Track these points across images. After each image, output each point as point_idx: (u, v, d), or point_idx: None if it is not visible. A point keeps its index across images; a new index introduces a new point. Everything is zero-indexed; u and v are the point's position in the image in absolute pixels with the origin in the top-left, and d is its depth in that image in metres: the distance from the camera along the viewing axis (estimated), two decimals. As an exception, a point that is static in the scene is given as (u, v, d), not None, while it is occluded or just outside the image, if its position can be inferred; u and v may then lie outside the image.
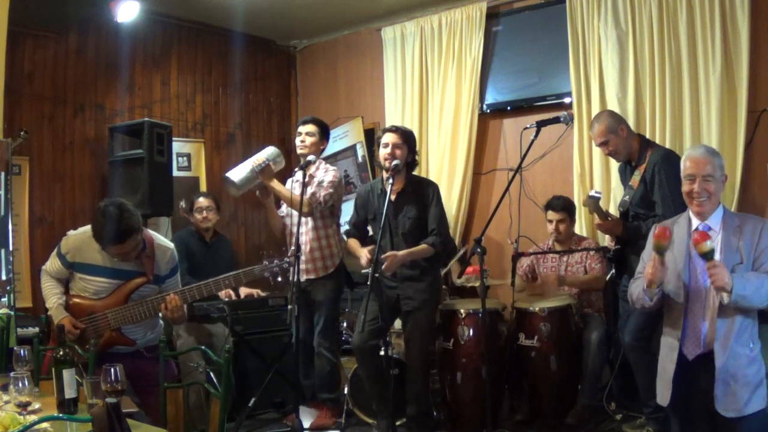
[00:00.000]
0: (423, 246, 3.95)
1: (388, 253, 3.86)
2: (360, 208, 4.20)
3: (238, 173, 4.30)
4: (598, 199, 3.80)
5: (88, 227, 3.14)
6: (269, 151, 4.41)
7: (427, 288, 4.03)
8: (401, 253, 3.90)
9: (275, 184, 4.34)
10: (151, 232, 3.32)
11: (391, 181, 3.79)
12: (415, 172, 4.79)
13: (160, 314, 3.25)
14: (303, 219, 4.18)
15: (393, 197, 3.96)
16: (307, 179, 4.31)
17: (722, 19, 4.37)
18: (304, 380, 4.48)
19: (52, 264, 3.26)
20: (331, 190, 4.31)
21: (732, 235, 2.71)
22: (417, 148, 4.16)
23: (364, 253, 3.93)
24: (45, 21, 4.94)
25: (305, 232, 4.36)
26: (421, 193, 4.05)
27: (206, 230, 4.88)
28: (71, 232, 3.26)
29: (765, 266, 2.65)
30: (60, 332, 2.55)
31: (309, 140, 4.45)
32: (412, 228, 4.00)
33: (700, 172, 2.72)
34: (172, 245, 3.36)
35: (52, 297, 3.21)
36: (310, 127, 4.46)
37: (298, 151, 4.49)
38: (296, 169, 4.38)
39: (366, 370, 4.08)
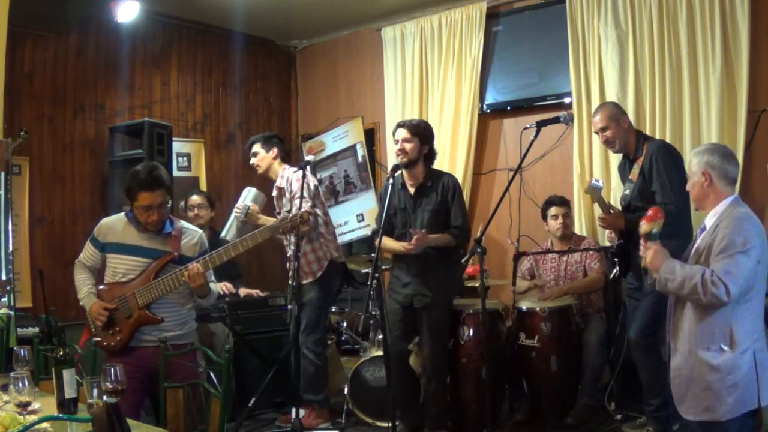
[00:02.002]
0: (447, 235, 3.95)
1: (419, 234, 3.83)
2: (381, 201, 4.11)
3: (229, 231, 4.37)
4: (600, 188, 3.79)
5: (121, 214, 3.36)
6: (247, 194, 4.45)
7: (439, 286, 3.98)
8: (432, 236, 3.89)
9: (263, 220, 4.34)
10: (180, 220, 3.45)
11: (391, 181, 3.79)
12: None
13: (192, 306, 3.36)
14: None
15: (412, 191, 3.99)
16: (276, 192, 4.43)
17: (722, 19, 4.37)
18: (293, 380, 4.46)
19: (85, 252, 3.38)
20: (309, 208, 4.25)
21: (706, 237, 2.65)
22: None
23: (402, 245, 3.90)
24: (45, 21, 4.94)
25: (294, 242, 4.31)
26: (440, 187, 4.02)
27: (201, 228, 4.87)
28: (104, 219, 3.41)
29: (712, 266, 2.53)
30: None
31: (255, 160, 4.50)
32: (430, 221, 3.96)
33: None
34: (200, 231, 3.46)
35: (84, 288, 3.33)
36: (254, 148, 4.53)
37: (259, 173, 4.53)
38: (296, 169, 4.38)
39: (397, 374, 3.96)
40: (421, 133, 3.99)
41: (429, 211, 3.97)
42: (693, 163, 2.74)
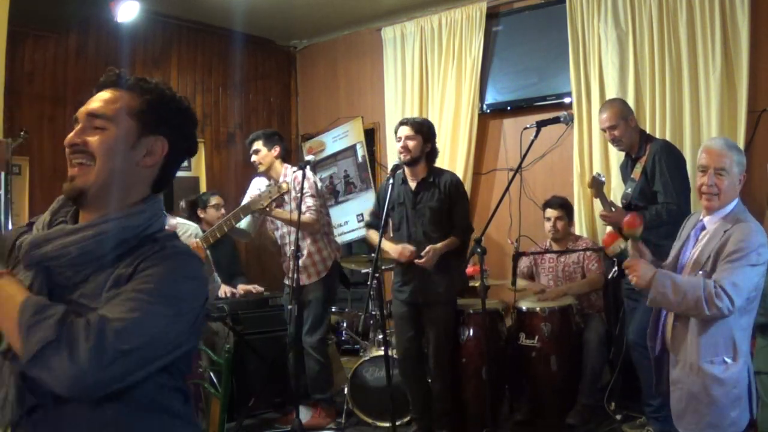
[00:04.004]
0: (453, 238, 3.92)
1: (428, 248, 3.83)
2: (381, 199, 4.10)
3: (243, 220, 4.27)
4: (603, 183, 3.78)
5: None
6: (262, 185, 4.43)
7: (444, 283, 3.94)
8: (439, 245, 3.86)
9: (276, 212, 4.34)
10: (175, 219, 3.43)
11: (391, 181, 3.80)
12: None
13: None
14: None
15: (413, 186, 3.97)
16: (278, 193, 4.35)
17: (722, 19, 4.37)
18: (293, 381, 4.47)
19: None
20: (314, 215, 4.29)
21: (712, 241, 2.51)
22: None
23: (397, 249, 3.89)
24: (45, 21, 4.93)
25: (301, 237, 4.32)
26: (442, 184, 3.98)
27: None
28: None
29: (717, 274, 2.41)
30: None
31: (257, 157, 4.46)
32: (432, 219, 3.93)
33: (713, 164, 2.50)
34: (195, 224, 3.44)
35: None
36: (255, 145, 4.47)
37: (260, 170, 4.48)
38: (295, 169, 4.38)
39: (413, 376, 4.05)
40: (424, 131, 3.98)
41: (431, 209, 3.92)
42: (733, 160, 2.49)
